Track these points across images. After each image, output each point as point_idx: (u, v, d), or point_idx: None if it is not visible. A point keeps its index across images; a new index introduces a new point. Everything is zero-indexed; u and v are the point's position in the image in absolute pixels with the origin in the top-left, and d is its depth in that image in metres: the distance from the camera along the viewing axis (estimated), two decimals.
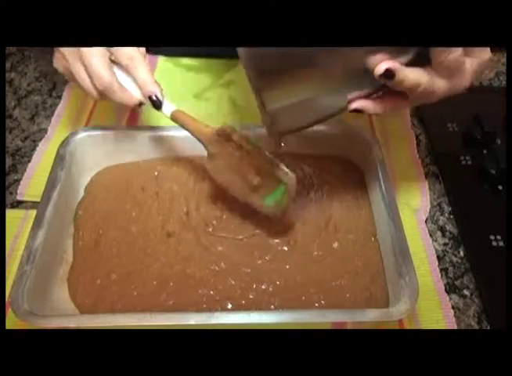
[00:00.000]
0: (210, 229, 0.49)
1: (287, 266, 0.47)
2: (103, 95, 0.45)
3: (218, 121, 0.62)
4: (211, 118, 0.62)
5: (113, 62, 0.46)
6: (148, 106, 0.47)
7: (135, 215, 0.50)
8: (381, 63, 0.33)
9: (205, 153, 0.54)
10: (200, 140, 0.46)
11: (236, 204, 0.51)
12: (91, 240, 0.48)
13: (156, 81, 0.46)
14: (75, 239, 0.48)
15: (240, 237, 0.49)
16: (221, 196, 0.52)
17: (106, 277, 0.46)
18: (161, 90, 0.46)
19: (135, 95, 0.46)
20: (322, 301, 0.44)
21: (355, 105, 0.37)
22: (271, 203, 0.46)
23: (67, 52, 0.44)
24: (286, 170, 0.44)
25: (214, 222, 0.50)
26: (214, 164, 0.47)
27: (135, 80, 0.45)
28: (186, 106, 0.46)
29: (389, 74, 0.33)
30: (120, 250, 0.47)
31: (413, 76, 0.34)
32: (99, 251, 0.47)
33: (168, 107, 0.46)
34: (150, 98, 0.45)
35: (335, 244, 0.48)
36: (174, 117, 0.46)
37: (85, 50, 0.43)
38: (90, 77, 0.44)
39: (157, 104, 0.45)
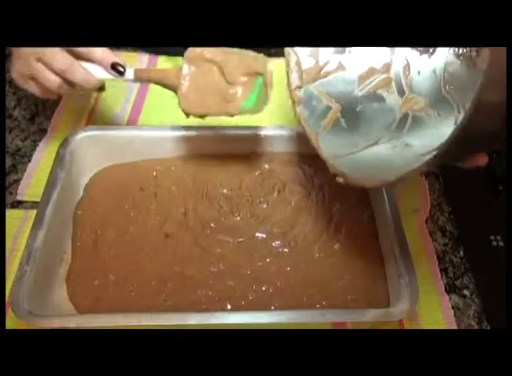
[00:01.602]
0: (209, 232, 0.49)
1: (288, 268, 0.47)
2: (66, 78, 0.45)
3: (217, 120, 0.62)
4: (211, 118, 0.62)
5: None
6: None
7: (134, 216, 0.50)
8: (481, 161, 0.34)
9: (204, 152, 0.54)
10: (167, 85, 0.46)
11: (235, 205, 0.51)
12: (90, 241, 0.48)
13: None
14: (74, 239, 0.48)
15: (240, 240, 0.49)
16: (220, 197, 0.52)
17: (105, 278, 0.45)
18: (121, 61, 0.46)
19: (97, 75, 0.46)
20: (324, 303, 0.44)
21: None
22: (250, 105, 0.46)
23: (29, 55, 0.44)
24: (261, 56, 0.44)
25: (212, 224, 0.50)
26: (186, 98, 0.46)
27: (95, 61, 0.45)
28: None
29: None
30: (119, 250, 0.47)
31: None
32: (97, 251, 0.47)
33: (130, 72, 0.46)
34: (113, 66, 0.45)
35: (336, 246, 0.48)
36: (138, 75, 0.46)
37: (46, 51, 0.43)
38: (50, 65, 0.44)
39: (121, 70, 0.46)
